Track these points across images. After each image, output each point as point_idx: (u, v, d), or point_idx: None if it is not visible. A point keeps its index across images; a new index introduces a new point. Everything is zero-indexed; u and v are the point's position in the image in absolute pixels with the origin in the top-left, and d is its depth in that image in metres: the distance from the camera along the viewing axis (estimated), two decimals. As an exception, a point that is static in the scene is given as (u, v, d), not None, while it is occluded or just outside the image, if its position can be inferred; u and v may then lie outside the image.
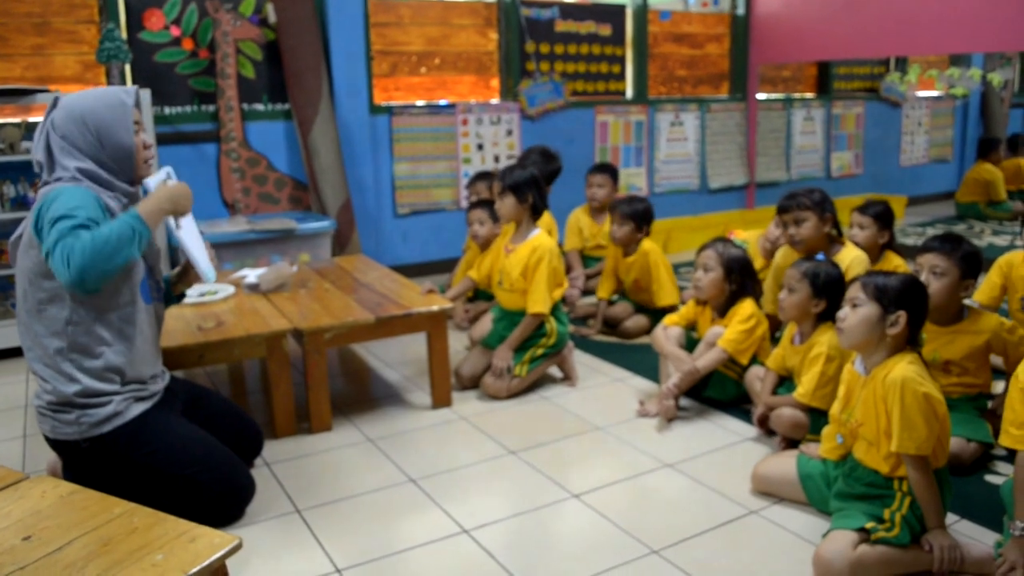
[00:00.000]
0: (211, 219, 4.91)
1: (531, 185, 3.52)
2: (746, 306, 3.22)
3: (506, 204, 3.53)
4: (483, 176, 4.80)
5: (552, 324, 3.55)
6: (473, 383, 3.56)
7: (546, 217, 4.21)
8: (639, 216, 4.18)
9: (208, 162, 5.03)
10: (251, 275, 3.62)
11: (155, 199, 2.30)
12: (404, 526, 2.45)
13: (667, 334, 3.37)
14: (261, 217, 4.99)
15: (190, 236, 2.47)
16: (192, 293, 3.33)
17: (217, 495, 2.44)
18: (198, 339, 2.83)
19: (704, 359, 3.17)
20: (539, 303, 3.44)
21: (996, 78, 8.09)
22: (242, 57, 5.06)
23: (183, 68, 4.92)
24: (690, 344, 3.40)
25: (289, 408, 3.05)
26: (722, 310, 3.30)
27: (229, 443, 2.58)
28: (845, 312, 2.28)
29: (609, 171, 4.95)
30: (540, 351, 3.53)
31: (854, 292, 2.28)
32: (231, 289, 3.44)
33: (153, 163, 2.47)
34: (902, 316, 2.19)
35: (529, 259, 3.47)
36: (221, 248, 4.50)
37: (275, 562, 2.28)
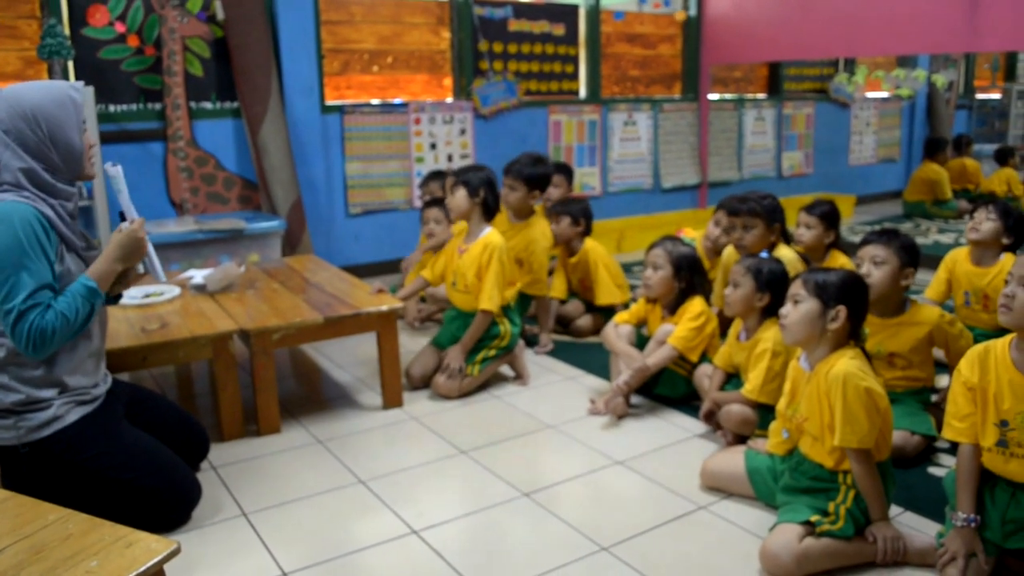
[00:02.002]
0: (158, 219, 4.83)
1: (484, 182, 3.51)
2: (696, 304, 3.25)
3: (457, 197, 3.51)
4: (436, 175, 4.78)
5: (506, 325, 3.55)
6: (424, 383, 3.53)
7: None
8: (575, 212, 4.21)
9: (155, 161, 4.93)
10: (197, 276, 3.56)
11: (106, 260, 2.26)
12: (352, 528, 2.43)
13: (618, 332, 3.38)
14: (209, 217, 4.91)
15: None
16: (136, 294, 3.27)
17: (161, 500, 2.39)
18: (141, 341, 2.77)
19: (654, 357, 3.19)
20: (490, 300, 3.43)
21: (940, 79, 8.29)
22: (189, 54, 4.97)
23: (128, 65, 4.82)
24: (641, 342, 3.42)
25: (236, 410, 3.00)
26: (672, 308, 3.32)
27: (174, 446, 2.53)
28: (787, 309, 2.31)
29: (564, 171, 4.95)
30: (492, 352, 3.52)
31: (795, 289, 2.31)
32: (176, 290, 3.37)
33: (96, 161, 2.41)
34: (842, 311, 2.22)
35: (481, 258, 3.46)
36: (168, 248, 4.42)
37: (220, 567, 2.24)
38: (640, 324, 3.47)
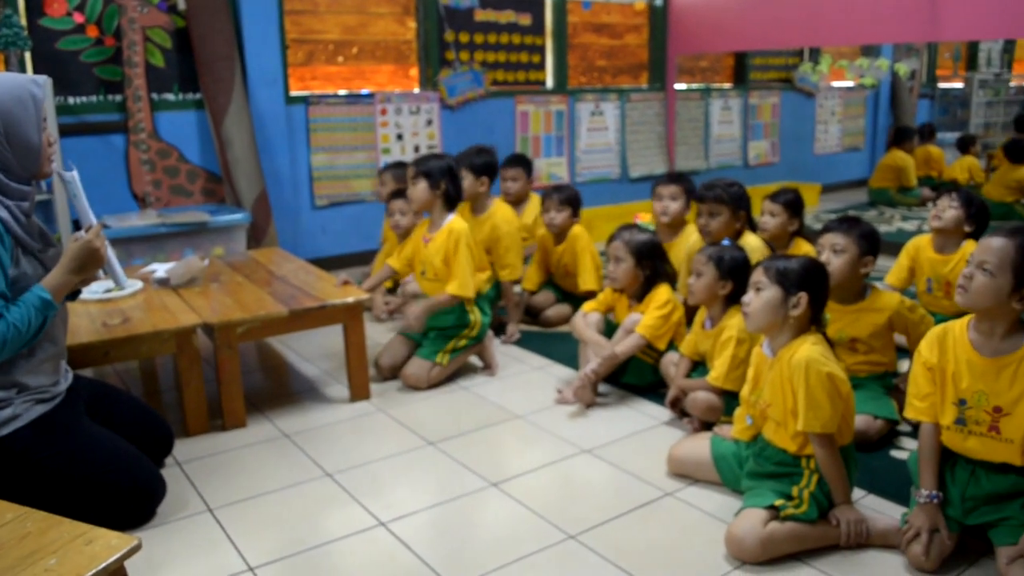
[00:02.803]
0: (120, 213, 4.76)
1: (445, 173, 3.47)
2: (662, 292, 3.26)
3: (418, 189, 3.47)
4: (394, 166, 4.73)
5: (476, 315, 3.54)
6: (393, 373, 3.52)
7: (503, 208, 4.23)
8: (574, 202, 4.22)
9: (116, 154, 4.86)
10: (160, 270, 3.51)
11: (62, 271, 2.19)
12: (319, 521, 2.41)
13: (586, 320, 3.39)
14: (173, 210, 4.84)
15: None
16: (97, 289, 3.21)
17: (125, 496, 2.36)
18: (103, 336, 2.73)
19: (622, 345, 3.20)
20: (463, 286, 3.41)
21: (902, 68, 8.38)
22: (150, 45, 4.89)
23: (88, 56, 4.74)
24: (609, 330, 3.43)
25: (201, 405, 2.97)
26: (639, 296, 3.33)
27: (137, 442, 2.50)
28: (749, 297, 2.33)
29: (523, 164, 4.91)
30: (463, 342, 3.52)
31: (757, 276, 2.33)
32: (139, 284, 3.33)
33: (55, 159, 2.36)
34: (803, 297, 2.25)
35: (448, 244, 3.44)
36: (131, 243, 4.37)
37: (186, 563, 2.22)
38: (608, 312, 3.48)
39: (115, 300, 3.16)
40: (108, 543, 1.62)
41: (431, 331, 3.55)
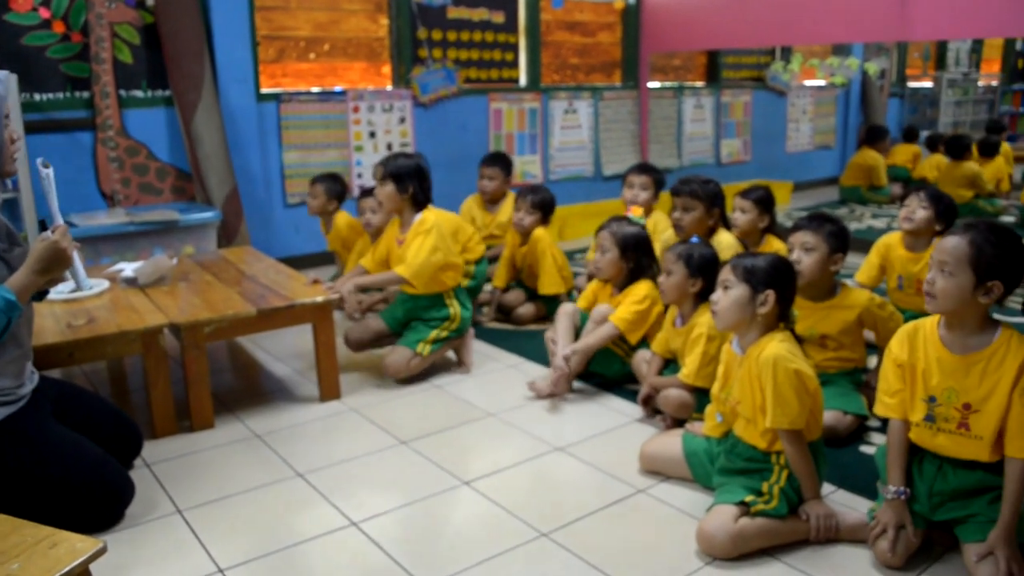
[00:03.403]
0: (88, 211, 4.69)
1: (413, 175, 3.43)
2: (642, 287, 3.27)
3: (386, 191, 3.43)
4: (327, 178, 4.67)
5: (455, 307, 3.52)
6: (359, 348, 3.57)
7: (512, 198, 4.41)
8: (547, 206, 4.23)
9: (84, 151, 4.79)
10: (128, 269, 3.46)
11: (27, 272, 2.14)
12: (290, 522, 2.39)
13: (563, 310, 3.41)
14: (142, 208, 4.79)
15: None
16: (63, 289, 3.16)
17: (92, 499, 2.33)
18: (67, 337, 2.69)
19: (594, 336, 3.20)
20: (409, 267, 3.35)
21: (872, 67, 8.48)
22: (118, 41, 4.83)
23: (54, 52, 4.66)
24: (583, 321, 3.43)
25: (168, 406, 2.93)
26: (621, 287, 3.35)
27: (105, 444, 2.47)
28: (717, 295, 2.34)
29: (501, 163, 4.92)
30: (444, 333, 3.50)
31: (725, 275, 2.34)
32: (105, 284, 3.28)
33: (19, 156, 2.31)
34: (771, 295, 2.26)
35: (418, 231, 3.40)
36: (99, 241, 4.31)
37: (155, 565, 2.19)
38: (591, 307, 3.49)
39: (81, 300, 3.12)
40: (72, 547, 1.60)
41: (413, 321, 3.53)
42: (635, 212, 4.25)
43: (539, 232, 4.23)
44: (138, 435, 2.73)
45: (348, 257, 4.54)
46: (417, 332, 3.48)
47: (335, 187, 4.56)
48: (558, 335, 3.34)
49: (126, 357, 3.66)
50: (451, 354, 3.70)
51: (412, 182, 3.42)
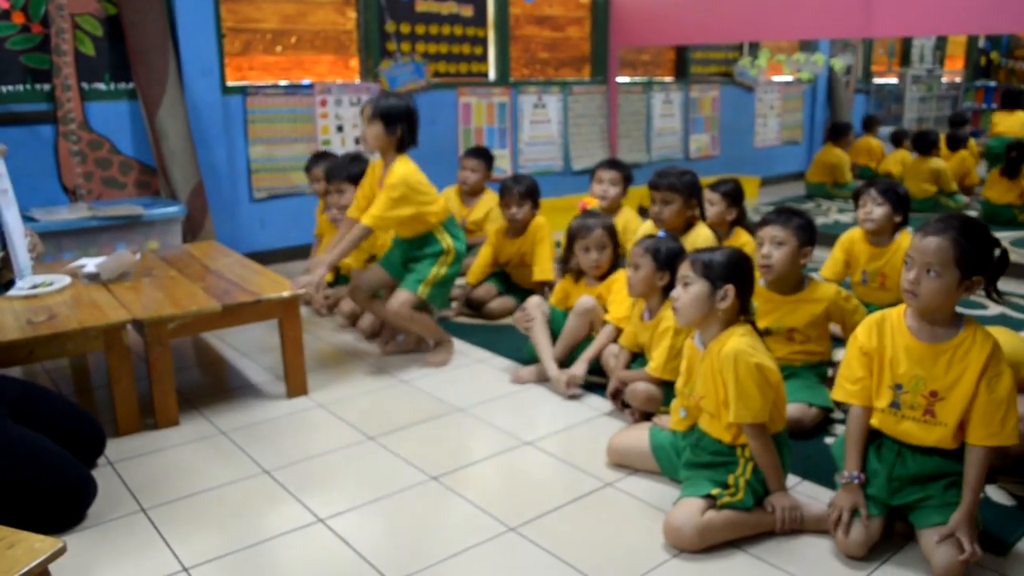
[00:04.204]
0: (49, 206, 4.61)
1: (404, 117, 3.37)
2: (624, 276, 3.31)
3: (373, 131, 3.36)
4: (320, 158, 4.66)
5: (447, 240, 3.48)
6: (366, 301, 3.64)
7: (489, 195, 4.50)
8: (534, 193, 4.23)
9: (45, 145, 4.70)
10: (90, 264, 3.41)
11: None
12: (256, 519, 2.37)
13: (533, 302, 3.46)
14: (105, 203, 4.71)
15: (14, 224, 2.29)
16: (24, 285, 3.11)
17: (52, 499, 2.29)
18: (26, 334, 2.64)
19: (597, 343, 3.22)
20: (371, 216, 3.33)
21: (838, 63, 8.56)
22: (80, 32, 4.74)
23: (13, 43, 4.57)
24: (556, 320, 3.43)
25: (132, 403, 2.89)
26: (601, 277, 3.39)
27: (66, 443, 2.43)
28: (678, 291, 2.35)
29: (483, 156, 4.93)
30: (443, 270, 3.47)
31: (684, 271, 2.34)
32: (67, 279, 3.23)
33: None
34: (731, 289, 2.27)
35: (388, 181, 3.37)
36: (62, 236, 4.24)
37: (118, 565, 2.16)
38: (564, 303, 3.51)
39: (42, 296, 3.06)
40: (31, 547, 1.58)
41: (410, 263, 3.52)
42: (590, 203, 4.29)
43: (540, 220, 4.22)
44: (101, 433, 2.69)
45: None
46: (415, 272, 3.47)
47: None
48: (539, 340, 3.34)
49: (89, 354, 3.60)
50: (419, 354, 3.68)
51: (401, 124, 3.37)
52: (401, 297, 3.44)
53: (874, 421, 2.20)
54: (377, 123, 3.36)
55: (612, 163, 4.35)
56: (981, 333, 2.05)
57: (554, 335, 3.39)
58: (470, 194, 4.96)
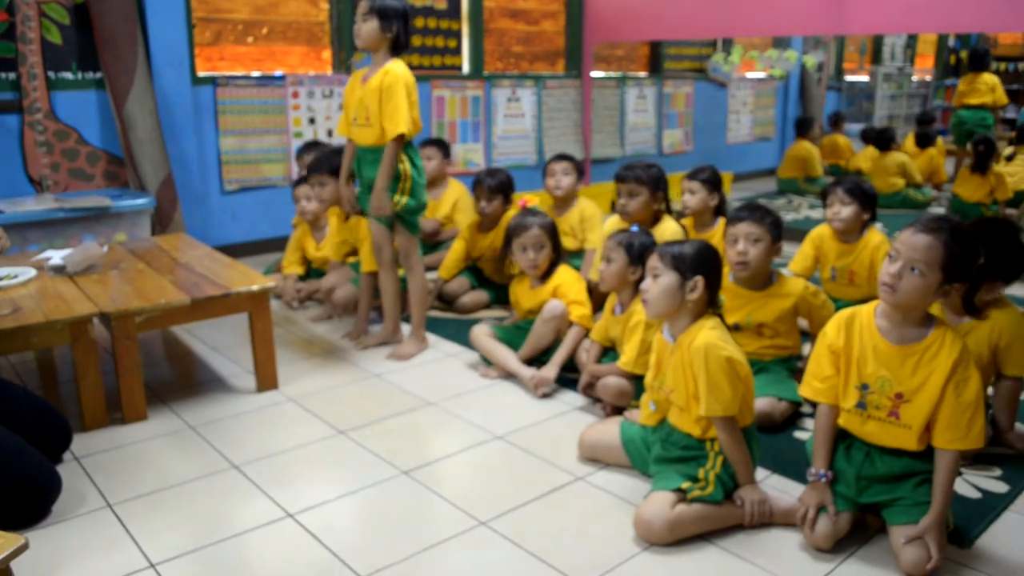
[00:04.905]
0: (14, 197, 4.53)
1: (400, 16, 3.29)
2: (565, 273, 3.35)
3: (368, 26, 3.25)
4: (315, 145, 4.65)
5: (405, 165, 3.33)
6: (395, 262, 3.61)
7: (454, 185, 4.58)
8: (506, 188, 4.22)
9: (10, 135, 4.62)
10: (56, 256, 3.36)
11: None
12: (225, 514, 2.35)
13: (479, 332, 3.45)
14: (72, 194, 4.64)
15: None
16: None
17: (16, 494, 2.25)
18: (-10, 326, 2.60)
19: (566, 347, 3.22)
20: (400, 123, 3.21)
21: (810, 60, 8.62)
22: (46, 21, 4.66)
23: (-23, 32, 4.49)
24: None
25: (98, 398, 2.85)
26: (543, 277, 3.39)
27: (32, 438, 2.39)
28: (647, 283, 2.34)
29: (437, 144, 4.92)
30: (403, 198, 3.35)
31: (653, 263, 2.34)
32: (32, 272, 3.18)
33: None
34: (700, 281, 2.28)
35: (383, 82, 3.25)
36: (27, 228, 4.16)
37: (82, 562, 2.12)
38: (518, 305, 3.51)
39: (6, 289, 3.01)
40: (-9, 544, 1.55)
41: (368, 186, 3.42)
42: (531, 200, 4.33)
43: (512, 214, 4.19)
44: (67, 428, 2.65)
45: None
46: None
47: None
48: (499, 357, 3.34)
49: (55, 348, 3.55)
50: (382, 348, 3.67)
51: (398, 22, 3.28)
52: (378, 191, 3.30)
53: (841, 420, 2.21)
54: (373, 18, 3.25)
55: (560, 156, 4.42)
56: (951, 336, 2.05)
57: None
58: (430, 183, 4.94)
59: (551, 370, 3.19)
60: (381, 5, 3.25)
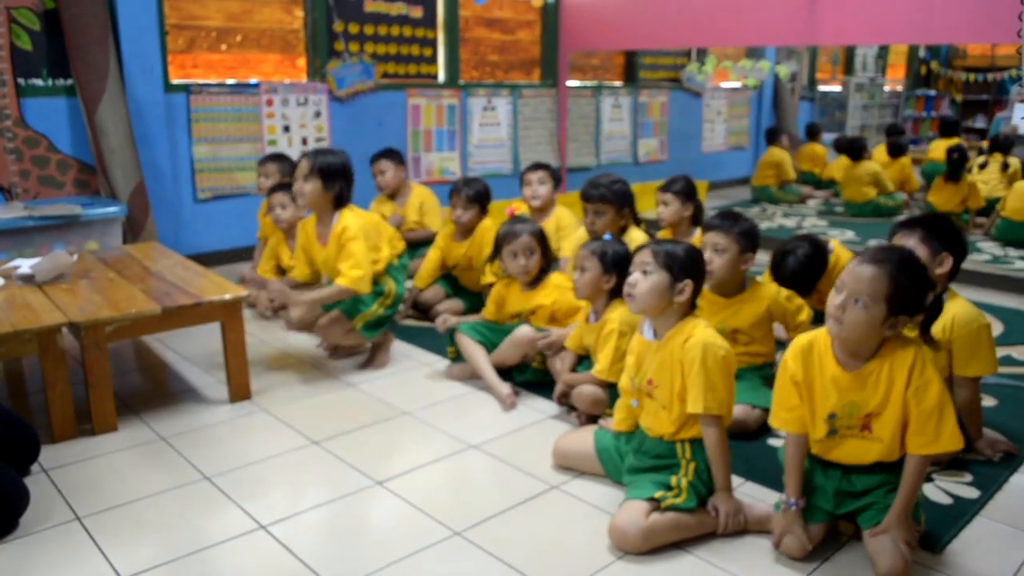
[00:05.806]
0: (-18, 205, 4.47)
1: (341, 175, 3.35)
2: (558, 278, 3.31)
3: (310, 187, 3.31)
4: (276, 158, 4.61)
5: (390, 284, 3.49)
6: (302, 327, 3.63)
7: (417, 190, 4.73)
8: (483, 198, 4.20)
9: (-22, 142, 4.57)
10: (24, 265, 3.31)
11: None
12: (196, 526, 2.32)
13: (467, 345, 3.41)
14: (42, 202, 4.59)
15: None
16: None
17: (-17, 507, 2.22)
18: (-45, 337, 2.56)
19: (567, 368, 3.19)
20: (353, 280, 3.29)
21: (783, 70, 8.71)
22: (16, 27, 4.61)
23: (-56, 37, 4.43)
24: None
25: (67, 409, 2.81)
26: (532, 283, 3.38)
27: (-2, 449, 2.36)
28: (635, 278, 2.32)
29: (388, 155, 4.88)
30: (380, 310, 3.46)
31: (644, 258, 2.32)
32: (0, 281, 3.13)
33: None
34: (689, 285, 2.29)
35: (342, 239, 3.33)
36: (-5, 237, 4.11)
37: (50, 575, 2.09)
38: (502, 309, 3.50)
39: (-27, 298, 2.97)
40: (-46, 558, 1.52)
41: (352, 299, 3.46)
42: (519, 209, 4.33)
43: (487, 223, 4.19)
44: (35, 440, 2.61)
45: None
46: (358, 303, 3.43)
47: (287, 167, 4.45)
48: (480, 368, 3.31)
49: (23, 358, 3.50)
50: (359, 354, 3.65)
51: (339, 181, 3.34)
52: (334, 316, 3.40)
53: (813, 449, 2.19)
54: (315, 179, 3.30)
55: (536, 165, 4.45)
56: (899, 344, 2.03)
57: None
58: (391, 196, 4.93)
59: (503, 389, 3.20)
60: (323, 164, 3.30)
